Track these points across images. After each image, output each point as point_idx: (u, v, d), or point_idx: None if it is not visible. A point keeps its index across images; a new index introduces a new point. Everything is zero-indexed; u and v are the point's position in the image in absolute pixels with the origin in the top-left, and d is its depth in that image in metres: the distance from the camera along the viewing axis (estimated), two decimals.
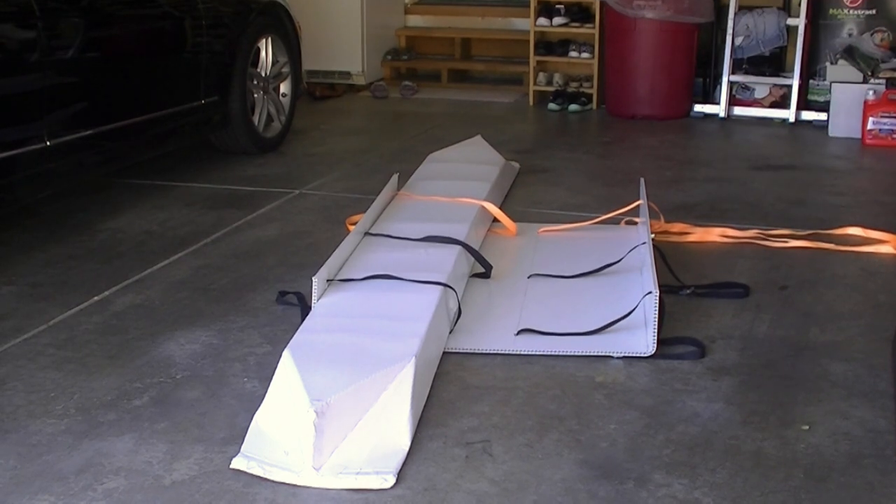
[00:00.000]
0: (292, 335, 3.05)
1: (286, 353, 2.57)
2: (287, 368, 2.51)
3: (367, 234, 3.66)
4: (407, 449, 2.39)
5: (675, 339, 3.00)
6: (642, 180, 4.07)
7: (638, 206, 3.96)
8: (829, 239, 3.93)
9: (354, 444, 2.36)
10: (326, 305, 2.99)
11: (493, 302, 3.30)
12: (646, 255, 3.28)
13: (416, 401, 2.51)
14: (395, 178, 4.28)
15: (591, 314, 3.16)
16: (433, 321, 2.86)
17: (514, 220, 4.07)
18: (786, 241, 3.92)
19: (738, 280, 3.52)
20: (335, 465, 2.30)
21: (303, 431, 2.29)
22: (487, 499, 2.22)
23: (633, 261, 3.56)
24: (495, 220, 4.07)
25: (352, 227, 3.97)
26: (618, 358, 2.92)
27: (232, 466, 2.31)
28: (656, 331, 2.91)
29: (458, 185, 4.30)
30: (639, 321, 3.09)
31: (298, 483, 2.26)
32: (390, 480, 2.26)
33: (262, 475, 2.28)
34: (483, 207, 4.05)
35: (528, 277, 3.51)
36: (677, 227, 4.06)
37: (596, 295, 3.37)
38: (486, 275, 3.49)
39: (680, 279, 3.40)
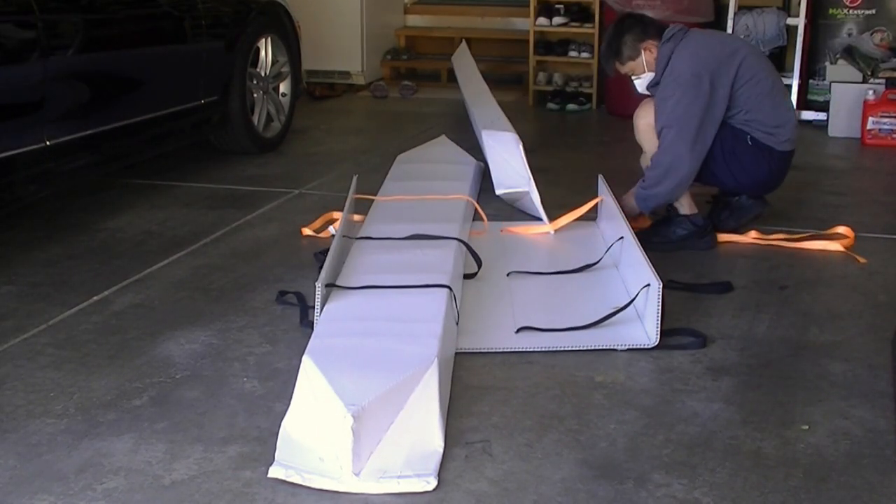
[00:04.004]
0: (292, 335, 3.07)
1: (307, 359, 2.53)
2: (311, 374, 2.47)
3: (361, 237, 3.66)
4: (441, 450, 2.37)
5: (673, 330, 3.01)
6: (600, 177, 4.10)
7: (597, 204, 4.06)
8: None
9: (390, 448, 2.34)
10: (335, 310, 2.97)
11: (483, 301, 3.30)
12: (634, 249, 3.28)
13: (442, 401, 2.51)
14: (355, 179, 4.28)
15: (583, 309, 3.18)
16: (446, 321, 2.86)
17: (511, 220, 4.10)
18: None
19: (733, 280, 3.53)
20: (374, 470, 2.27)
21: (340, 437, 2.26)
22: (487, 498, 2.22)
23: (608, 255, 3.62)
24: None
25: (307, 233, 4.02)
26: (622, 350, 2.93)
27: (270, 475, 2.28)
28: (659, 322, 2.92)
29: (435, 184, 4.33)
30: (635, 314, 3.11)
31: (340, 490, 2.23)
32: (432, 483, 2.25)
33: (301, 483, 2.25)
34: (470, 202, 4.11)
35: (508, 275, 3.52)
36: None
37: (581, 290, 3.40)
38: (471, 275, 3.48)
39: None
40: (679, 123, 3.69)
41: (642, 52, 3.83)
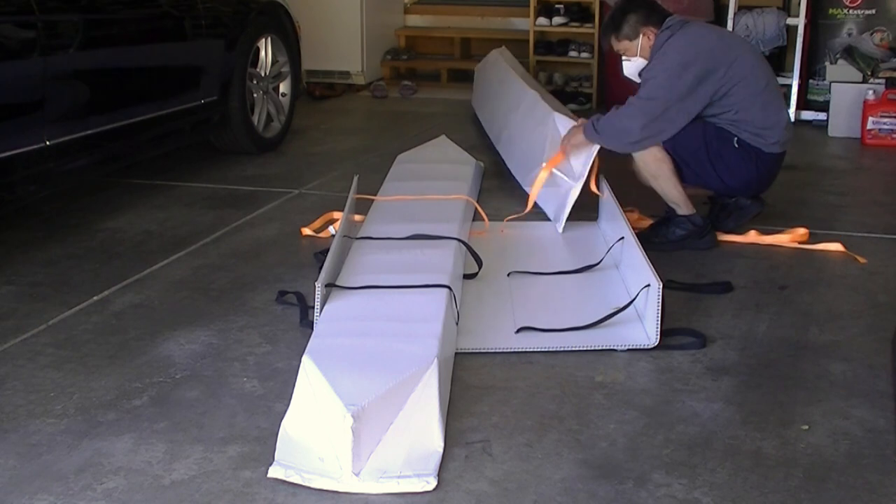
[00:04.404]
0: (292, 335, 3.07)
1: (307, 359, 2.53)
2: (311, 374, 2.48)
3: (361, 237, 3.66)
4: (441, 450, 2.37)
5: (673, 330, 3.01)
6: (601, 177, 4.09)
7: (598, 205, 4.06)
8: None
9: (389, 448, 2.33)
10: (335, 310, 2.97)
11: (483, 301, 3.30)
12: (634, 250, 3.28)
13: (442, 401, 2.51)
14: (356, 179, 4.29)
15: (583, 309, 3.17)
16: (446, 321, 2.86)
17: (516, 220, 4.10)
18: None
19: (733, 280, 3.53)
20: (374, 470, 2.27)
21: (340, 437, 2.26)
22: (487, 499, 2.22)
23: (609, 255, 3.62)
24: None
25: (306, 232, 4.03)
26: (622, 351, 2.93)
27: (269, 475, 2.28)
28: (659, 322, 2.92)
29: (435, 184, 4.33)
30: (636, 314, 3.11)
31: (340, 490, 2.23)
32: (432, 483, 2.25)
33: (301, 483, 2.25)
34: (469, 202, 4.12)
35: (508, 275, 3.52)
36: None
37: (581, 291, 3.40)
38: (472, 275, 3.47)
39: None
40: (646, 98, 3.68)
41: (641, 36, 3.81)
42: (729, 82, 3.71)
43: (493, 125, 5.54)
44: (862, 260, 3.74)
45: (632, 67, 3.91)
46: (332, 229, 4.03)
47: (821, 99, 6.41)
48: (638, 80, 3.91)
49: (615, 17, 3.87)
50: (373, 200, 4.18)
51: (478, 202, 4.24)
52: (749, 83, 3.75)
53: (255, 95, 5.43)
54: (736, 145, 3.81)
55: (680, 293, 3.36)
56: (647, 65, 3.81)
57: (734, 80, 3.72)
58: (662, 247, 3.78)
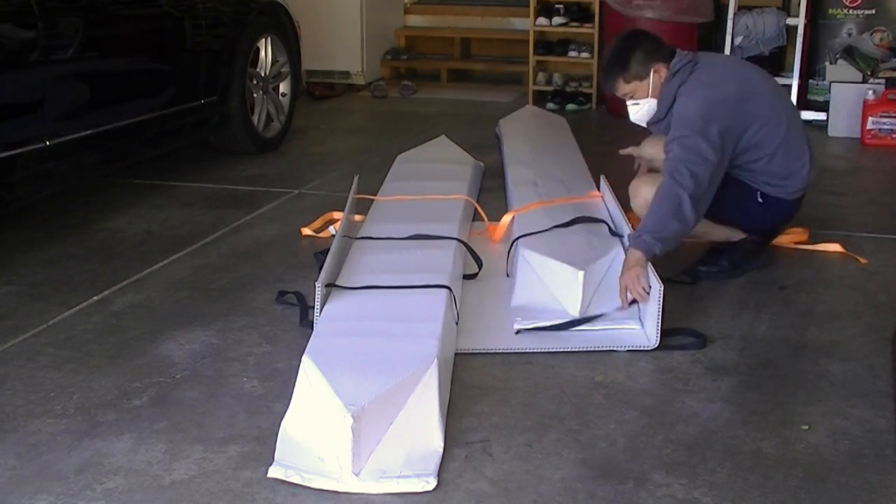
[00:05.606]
0: (292, 335, 3.07)
1: (307, 359, 2.53)
2: (311, 374, 2.48)
3: (361, 237, 3.66)
4: (441, 450, 2.37)
5: (673, 330, 3.01)
6: (602, 177, 4.09)
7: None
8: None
9: (389, 448, 2.34)
10: (335, 309, 2.97)
11: (482, 301, 3.29)
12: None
13: (442, 401, 2.51)
14: (356, 179, 4.30)
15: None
16: (445, 321, 2.86)
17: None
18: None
19: (733, 280, 3.53)
20: (374, 470, 2.28)
21: (339, 437, 2.27)
22: (487, 498, 2.22)
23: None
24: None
25: (306, 232, 4.03)
26: (622, 351, 2.94)
27: (269, 475, 2.28)
28: (659, 323, 2.92)
29: (435, 185, 4.32)
30: (636, 315, 3.11)
31: (340, 490, 2.23)
32: (432, 483, 2.25)
33: (301, 483, 2.25)
34: (469, 202, 4.11)
35: (507, 276, 3.51)
36: None
37: None
38: (472, 275, 3.47)
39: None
40: (690, 182, 3.16)
41: (652, 73, 3.36)
42: (750, 132, 3.35)
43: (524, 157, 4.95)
44: (862, 260, 3.74)
45: (642, 111, 3.44)
46: (332, 229, 4.03)
47: (821, 99, 6.40)
48: (645, 125, 3.53)
49: (619, 55, 3.37)
50: (373, 200, 4.18)
51: (478, 202, 4.24)
52: (772, 128, 3.39)
53: (255, 95, 5.43)
54: (760, 200, 3.52)
55: (680, 293, 3.35)
56: (668, 129, 3.34)
57: (755, 128, 3.35)
58: (720, 276, 3.50)
